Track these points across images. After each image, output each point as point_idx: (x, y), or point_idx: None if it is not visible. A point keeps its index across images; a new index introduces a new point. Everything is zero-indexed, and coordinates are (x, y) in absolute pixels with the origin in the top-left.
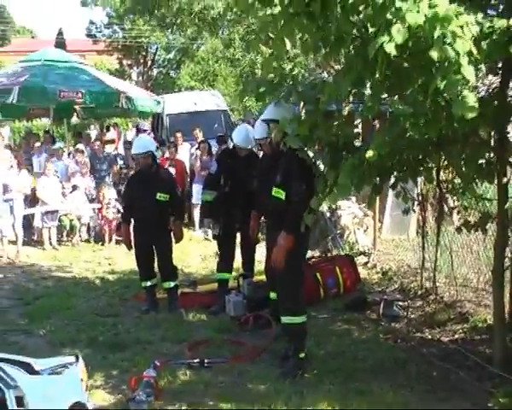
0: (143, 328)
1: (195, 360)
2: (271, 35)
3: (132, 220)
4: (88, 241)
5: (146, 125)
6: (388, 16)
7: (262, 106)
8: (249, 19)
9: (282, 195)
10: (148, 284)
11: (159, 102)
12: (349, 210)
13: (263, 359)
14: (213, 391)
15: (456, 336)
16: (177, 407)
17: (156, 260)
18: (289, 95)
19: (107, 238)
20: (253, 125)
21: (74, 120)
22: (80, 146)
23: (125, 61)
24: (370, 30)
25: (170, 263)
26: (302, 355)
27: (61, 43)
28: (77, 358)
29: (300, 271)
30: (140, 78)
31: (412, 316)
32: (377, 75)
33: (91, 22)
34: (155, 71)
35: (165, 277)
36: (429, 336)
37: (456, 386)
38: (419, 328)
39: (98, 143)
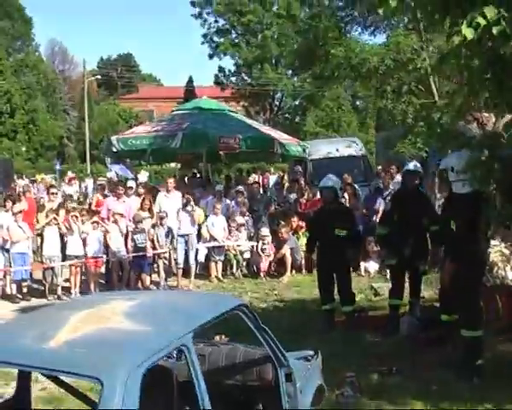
0: (324, 343)
1: (385, 368)
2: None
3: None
4: (246, 275)
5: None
6: None
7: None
8: (401, 73)
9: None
10: (328, 307)
11: (304, 148)
12: (496, 248)
13: (440, 368)
14: (403, 393)
15: None
16: (376, 405)
17: (336, 285)
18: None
19: (263, 272)
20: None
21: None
22: (240, 188)
23: (251, 108)
24: None
25: (349, 288)
26: (479, 362)
27: (190, 91)
28: (316, 352)
29: (478, 291)
30: (266, 124)
31: None
32: None
33: (220, 70)
34: (281, 117)
35: (345, 301)
36: None
37: None
38: None
39: (256, 185)
